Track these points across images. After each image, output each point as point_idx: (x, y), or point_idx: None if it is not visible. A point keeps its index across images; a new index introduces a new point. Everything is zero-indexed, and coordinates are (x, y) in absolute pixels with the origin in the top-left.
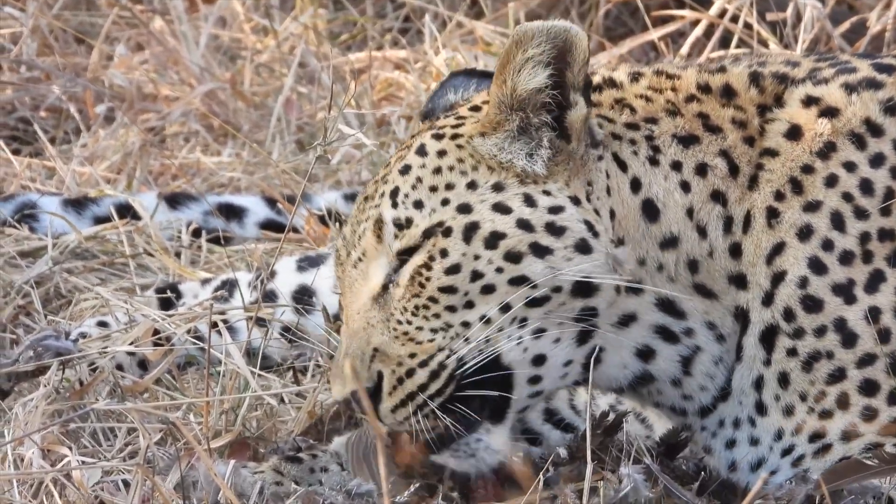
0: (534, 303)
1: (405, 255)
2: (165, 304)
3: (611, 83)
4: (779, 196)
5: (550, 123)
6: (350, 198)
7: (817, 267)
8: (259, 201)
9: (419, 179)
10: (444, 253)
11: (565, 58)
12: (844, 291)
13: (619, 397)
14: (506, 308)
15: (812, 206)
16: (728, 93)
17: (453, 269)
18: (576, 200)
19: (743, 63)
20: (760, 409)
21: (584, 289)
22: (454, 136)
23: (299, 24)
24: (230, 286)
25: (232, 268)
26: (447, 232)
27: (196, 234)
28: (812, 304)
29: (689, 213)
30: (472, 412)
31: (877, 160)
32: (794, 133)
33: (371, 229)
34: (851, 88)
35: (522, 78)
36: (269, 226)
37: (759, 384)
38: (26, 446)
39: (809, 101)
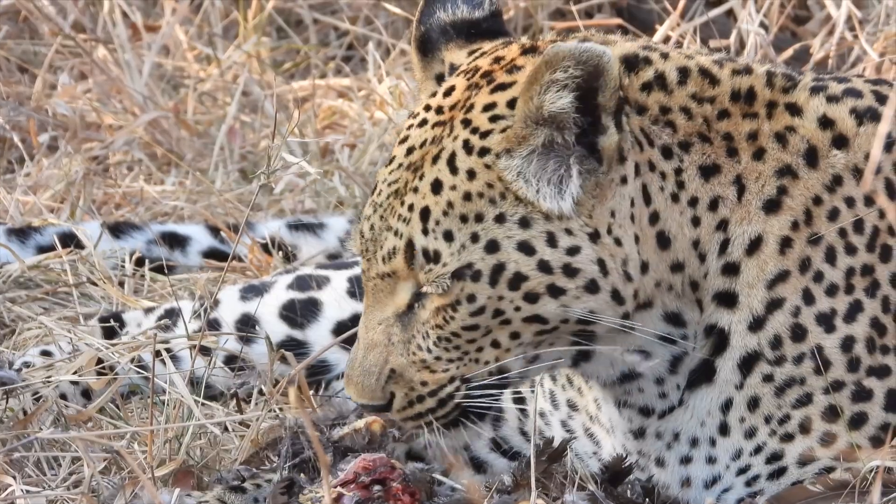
0: (541, 332)
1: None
2: (109, 333)
3: (661, 82)
4: (795, 226)
5: (578, 144)
6: (294, 227)
7: (808, 298)
8: (202, 230)
9: (450, 205)
10: (471, 298)
11: (596, 82)
12: (826, 321)
13: (570, 412)
14: (516, 335)
15: (815, 240)
16: (749, 98)
17: (479, 311)
18: (594, 236)
19: (762, 65)
20: (724, 430)
21: (587, 320)
22: (482, 152)
23: (242, 53)
24: (173, 315)
25: (175, 297)
26: (476, 276)
27: (139, 262)
28: (799, 333)
29: (695, 244)
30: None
31: (870, 198)
32: (812, 157)
33: (402, 252)
34: (860, 117)
35: (548, 98)
36: (212, 254)
37: (727, 406)
38: None
39: (825, 124)
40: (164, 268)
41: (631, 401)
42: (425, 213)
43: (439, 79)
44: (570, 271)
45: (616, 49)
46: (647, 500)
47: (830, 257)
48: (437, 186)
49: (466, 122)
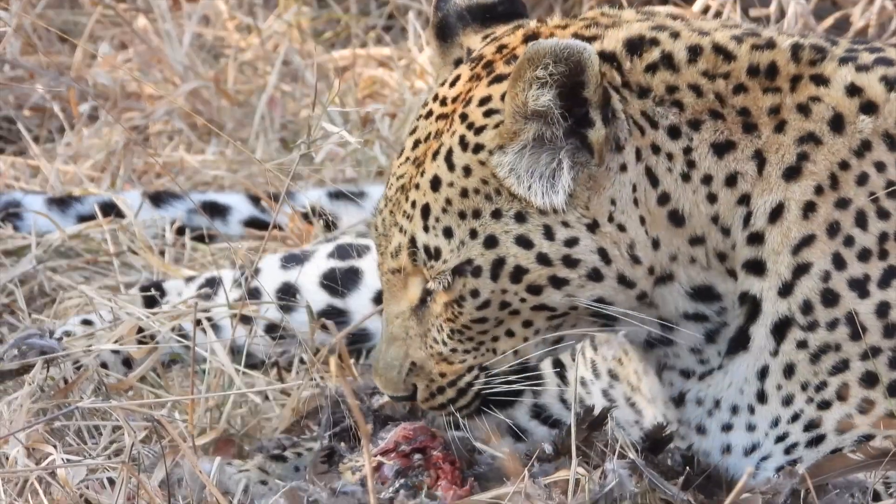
0: (553, 318)
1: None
2: (150, 303)
3: (667, 62)
4: (818, 190)
5: (570, 137)
6: (334, 196)
7: (838, 262)
8: (243, 199)
9: (448, 201)
10: (474, 293)
11: (580, 76)
12: (860, 286)
13: (611, 381)
14: (528, 323)
15: (843, 203)
16: (771, 72)
17: (484, 305)
18: (593, 226)
19: (789, 38)
20: (761, 397)
21: (597, 304)
22: (477, 148)
23: (283, 22)
24: (214, 284)
25: (216, 265)
26: (476, 272)
27: (180, 232)
28: (830, 298)
29: (715, 219)
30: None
31: None
32: (838, 123)
33: (406, 249)
34: (890, 84)
35: (532, 94)
36: (252, 224)
37: (763, 374)
38: (11, 445)
39: (853, 91)
40: (205, 237)
41: (670, 363)
42: (426, 210)
43: (457, 64)
44: (570, 262)
45: (621, 32)
46: (686, 468)
47: (861, 222)
48: (435, 183)
49: (464, 117)
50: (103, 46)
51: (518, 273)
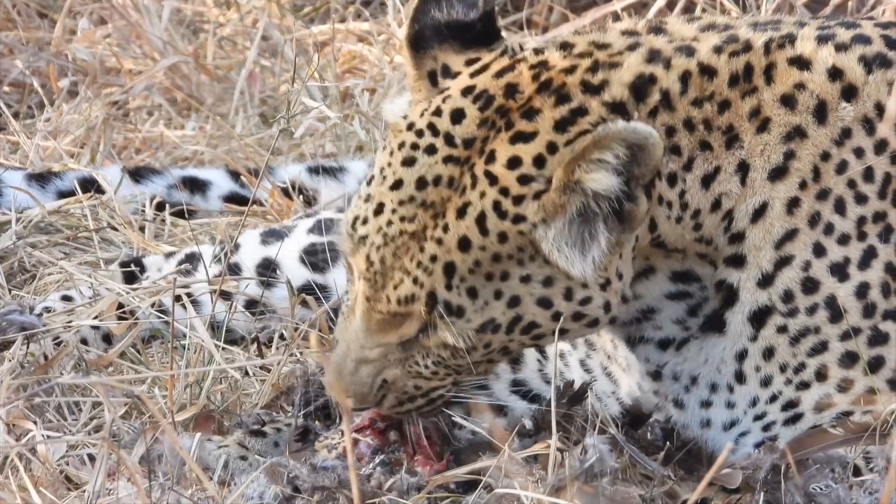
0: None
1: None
2: (129, 278)
3: (665, 101)
4: (802, 185)
5: (609, 213)
6: (314, 171)
7: (819, 251)
8: (223, 174)
9: (477, 264)
10: (487, 345)
11: (636, 157)
12: (840, 270)
13: (589, 351)
14: (509, 352)
15: (823, 194)
16: (747, 74)
17: (489, 352)
18: (605, 284)
19: (762, 35)
20: (740, 377)
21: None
22: (517, 219)
23: None
24: (194, 259)
25: (196, 241)
26: (496, 329)
27: (160, 207)
28: (811, 286)
29: (698, 240)
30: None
31: (881, 146)
32: (821, 112)
33: (423, 302)
34: (868, 65)
35: (594, 176)
36: (232, 199)
37: (741, 356)
38: None
39: (835, 75)
40: (185, 212)
41: (648, 335)
42: (450, 269)
43: (431, 76)
44: (578, 317)
45: (624, 74)
46: (667, 443)
47: (840, 208)
48: (465, 244)
49: (492, 179)
50: (83, 22)
51: (530, 328)
